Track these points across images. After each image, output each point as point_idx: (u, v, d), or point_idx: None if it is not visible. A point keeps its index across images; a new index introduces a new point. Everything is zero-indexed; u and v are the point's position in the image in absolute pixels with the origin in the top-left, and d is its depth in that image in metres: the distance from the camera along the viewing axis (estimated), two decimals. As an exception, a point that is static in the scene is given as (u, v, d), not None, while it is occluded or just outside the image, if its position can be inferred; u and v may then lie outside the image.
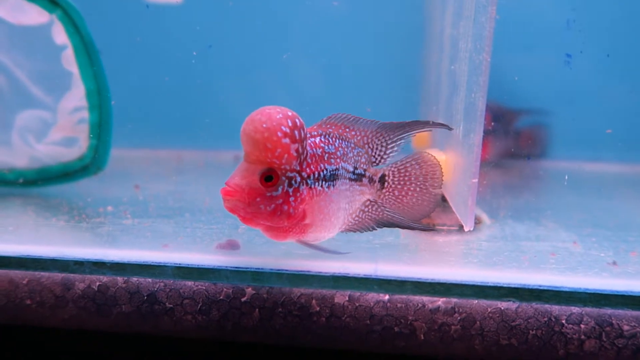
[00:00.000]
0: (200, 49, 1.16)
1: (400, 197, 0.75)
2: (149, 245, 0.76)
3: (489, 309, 0.67)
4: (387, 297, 0.68)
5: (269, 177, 0.64)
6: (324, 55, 1.30)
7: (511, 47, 1.22)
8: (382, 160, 0.74)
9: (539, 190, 1.26)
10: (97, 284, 0.72)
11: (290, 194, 0.65)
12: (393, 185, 0.74)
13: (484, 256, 0.76)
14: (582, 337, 0.65)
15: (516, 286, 0.66)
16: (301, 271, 0.69)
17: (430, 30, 1.30)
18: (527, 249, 0.79)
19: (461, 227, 0.87)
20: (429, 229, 0.78)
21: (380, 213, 0.74)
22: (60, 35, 0.98)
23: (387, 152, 0.74)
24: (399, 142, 0.74)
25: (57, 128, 1.05)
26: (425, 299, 0.68)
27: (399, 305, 0.68)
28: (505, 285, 0.66)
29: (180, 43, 1.20)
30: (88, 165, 1.05)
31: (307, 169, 0.66)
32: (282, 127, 0.62)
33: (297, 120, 0.64)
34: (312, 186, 0.66)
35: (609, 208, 1.08)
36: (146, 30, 1.19)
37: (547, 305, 0.66)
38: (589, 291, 0.66)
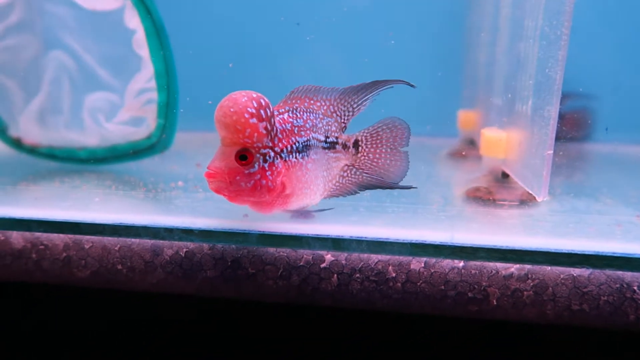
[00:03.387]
0: (263, 30, 1.19)
1: (375, 159, 0.80)
2: (230, 215, 0.81)
3: (562, 276, 0.70)
4: (462, 263, 0.72)
5: (243, 156, 0.69)
6: (358, 37, 1.32)
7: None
8: (348, 123, 0.79)
9: (588, 170, 1.27)
10: (184, 250, 0.77)
11: (267, 168, 0.70)
12: (367, 149, 0.79)
13: (550, 227, 0.79)
14: (653, 303, 0.68)
15: (588, 253, 0.69)
16: (380, 238, 0.73)
17: (478, 12, 1.32)
18: (591, 221, 0.81)
19: (522, 202, 0.90)
20: (410, 187, 0.79)
21: (360, 176, 0.79)
22: (133, 19, 1.02)
23: (354, 115, 0.79)
24: (364, 103, 0.79)
25: (126, 108, 1.10)
26: (499, 265, 0.71)
27: (473, 271, 0.72)
28: (578, 252, 0.69)
29: (240, 28, 1.24)
30: (155, 144, 1.10)
31: (280, 143, 0.71)
32: (248, 109, 0.68)
33: (261, 101, 0.69)
34: (287, 159, 0.72)
35: (661, 187, 1.09)
36: (209, 15, 1.23)
37: (619, 272, 0.68)
38: (660, 259, 0.68)
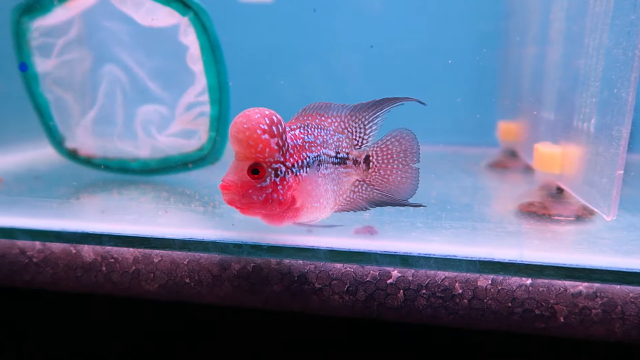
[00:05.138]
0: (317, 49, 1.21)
1: (386, 176, 0.81)
2: (295, 230, 0.82)
3: (631, 294, 0.70)
4: (529, 281, 0.73)
5: (255, 170, 0.72)
6: (396, 46, 1.33)
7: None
8: (365, 142, 0.81)
9: (636, 183, 1.26)
10: (252, 265, 0.79)
11: (278, 183, 0.72)
12: (378, 165, 0.81)
13: (613, 244, 0.79)
14: None
15: (659, 273, 0.69)
16: (448, 255, 0.74)
17: (522, 24, 1.32)
18: (652, 238, 0.82)
19: (578, 217, 0.90)
20: (420, 205, 0.80)
21: (370, 192, 0.81)
22: (189, 36, 1.04)
23: (367, 132, 0.81)
24: (376, 120, 0.80)
25: (179, 121, 1.13)
26: (567, 283, 0.72)
27: (540, 289, 0.72)
28: (648, 272, 0.69)
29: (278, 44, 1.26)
30: (206, 156, 1.12)
31: (291, 158, 0.74)
32: (261, 125, 0.70)
33: (274, 117, 0.71)
34: (297, 173, 0.74)
35: None
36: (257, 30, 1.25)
37: (690, 292, 0.69)
38: None
